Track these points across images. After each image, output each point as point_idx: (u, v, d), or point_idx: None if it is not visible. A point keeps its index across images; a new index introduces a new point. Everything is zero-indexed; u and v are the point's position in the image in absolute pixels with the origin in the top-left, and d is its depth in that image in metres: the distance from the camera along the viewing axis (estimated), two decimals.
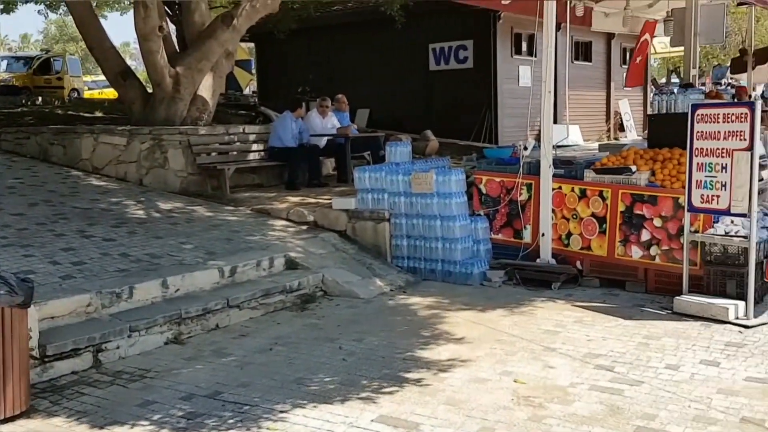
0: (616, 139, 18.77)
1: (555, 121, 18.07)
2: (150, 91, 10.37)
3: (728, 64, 16.43)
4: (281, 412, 4.03)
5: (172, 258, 6.36)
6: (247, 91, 21.43)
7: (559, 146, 17.22)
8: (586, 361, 4.70)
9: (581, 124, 18.94)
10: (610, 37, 18.88)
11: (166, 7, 12.14)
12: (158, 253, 6.49)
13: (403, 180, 7.31)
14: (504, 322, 5.61)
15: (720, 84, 21.99)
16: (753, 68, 11.43)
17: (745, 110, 5.55)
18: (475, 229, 7.21)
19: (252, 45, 20.08)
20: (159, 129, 9.48)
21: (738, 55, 12.17)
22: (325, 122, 10.29)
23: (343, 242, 7.36)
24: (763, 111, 11.67)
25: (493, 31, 14.87)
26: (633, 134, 18.80)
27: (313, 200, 8.47)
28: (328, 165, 10.72)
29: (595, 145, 13.96)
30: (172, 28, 12.70)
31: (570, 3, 5.75)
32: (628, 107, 19.98)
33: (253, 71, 20.60)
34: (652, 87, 21.64)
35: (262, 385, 4.43)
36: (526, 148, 7.40)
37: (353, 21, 15.73)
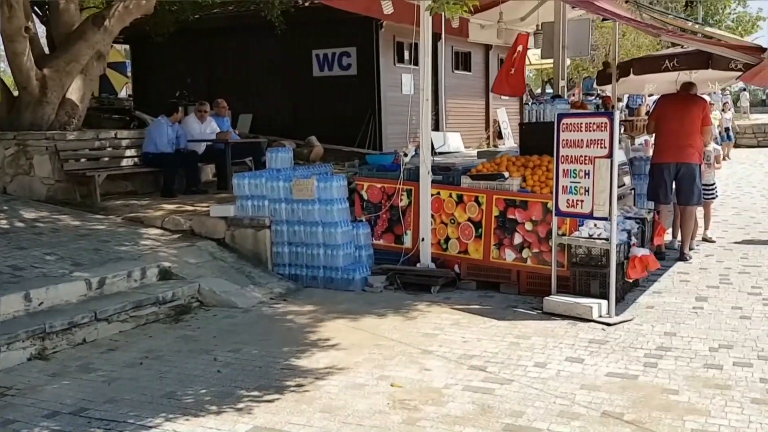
0: (495, 146, 19.47)
1: (437, 129, 18.57)
2: (16, 94, 9.76)
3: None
4: (150, 427, 3.88)
5: (35, 270, 5.99)
6: (122, 95, 20.59)
7: (441, 153, 17.70)
8: (461, 362, 4.81)
9: (462, 132, 19.51)
10: (488, 48, 19.60)
11: (35, 7, 11.47)
12: (21, 264, 6.09)
13: (284, 186, 7.24)
14: (384, 327, 5.65)
15: (591, 94, 23.29)
16: (617, 80, 12.11)
17: (605, 120, 5.88)
18: (356, 235, 7.24)
19: (127, 47, 19.33)
20: (24, 134, 8.95)
21: (602, 67, 12.88)
22: (204, 127, 10.03)
23: (221, 251, 7.20)
24: (626, 120, 12.46)
25: (376, 39, 15.06)
26: (510, 142, 19.57)
27: (190, 208, 8.23)
28: (208, 171, 10.46)
29: (476, 152, 14.39)
30: (42, 29, 12.01)
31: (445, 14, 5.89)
32: (506, 116, 20.80)
33: (129, 74, 19.81)
34: (528, 97, 22.63)
35: (131, 401, 4.24)
36: (406, 155, 7.52)
37: (234, 25, 15.46)
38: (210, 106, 10.45)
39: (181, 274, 6.46)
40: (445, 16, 7.29)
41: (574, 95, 20.80)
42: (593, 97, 19.31)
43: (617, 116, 5.91)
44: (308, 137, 13.65)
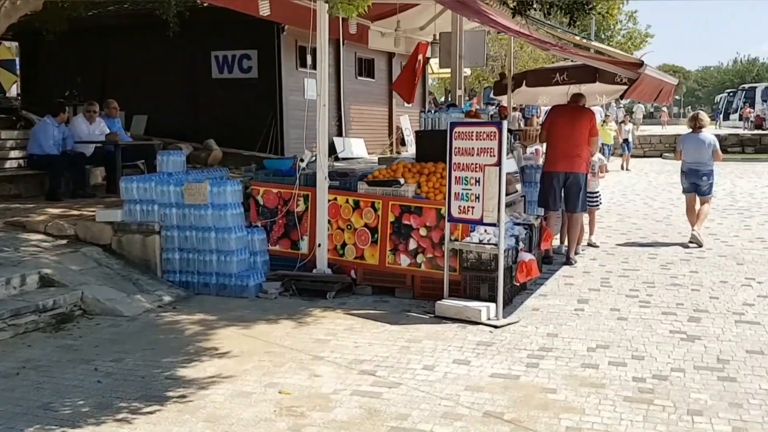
0: (398, 152, 19.69)
1: (340, 134, 18.58)
2: None
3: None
4: None
5: None
6: (12, 93, 19.52)
7: (345, 158, 17.73)
8: (351, 367, 4.83)
9: (366, 138, 19.63)
10: (390, 55, 19.81)
11: None
12: None
13: (174, 191, 7.05)
14: (276, 334, 5.60)
15: (492, 103, 23.96)
16: (512, 90, 12.51)
17: (494, 129, 6.06)
18: (251, 241, 7.14)
19: (16, 44, 18.33)
20: None
21: (498, 78, 13.29)
22: (93, 128, 9.64)
23: (107, 257, 6.93)
24: (519, 129, 12.87)
25: (278, 42, 14.92)
26: (413, 149, 19.84)
27: (76, 212, 7.88)
28: (98, 174, 10.05)
29: (377, 158, 14.53)
30: None
31: (341, 18, 5.91)
32: (408, 123, 21.08)
33: (18, 72, 18.79)
34: (432, 105, 23.03)
35: (5, 413, 4.02)
36: (302, 160, 7.49)
37: (129, 24, 14.94)
38: (100, 107, 10.05)
39: (64, 282, 6.16)
40: (342, 21, 7.30)
41: (472, 105, 21.36)
42: (494, 107, 19.91)
43: (505, 126, 6.10)
44: (206, 140, 13.37)
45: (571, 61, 10.85)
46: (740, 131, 35.36)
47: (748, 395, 4.25)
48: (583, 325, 5.76)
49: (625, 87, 9.34)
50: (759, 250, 8.84)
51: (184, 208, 7.00)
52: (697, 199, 9.45)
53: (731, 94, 56.06)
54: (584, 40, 12.20)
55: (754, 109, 44.99)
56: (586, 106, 8.89)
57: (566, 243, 8.43)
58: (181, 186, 7.01)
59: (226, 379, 4.59)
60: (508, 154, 9.12)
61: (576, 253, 8.34)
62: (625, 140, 22.40)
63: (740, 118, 46.44)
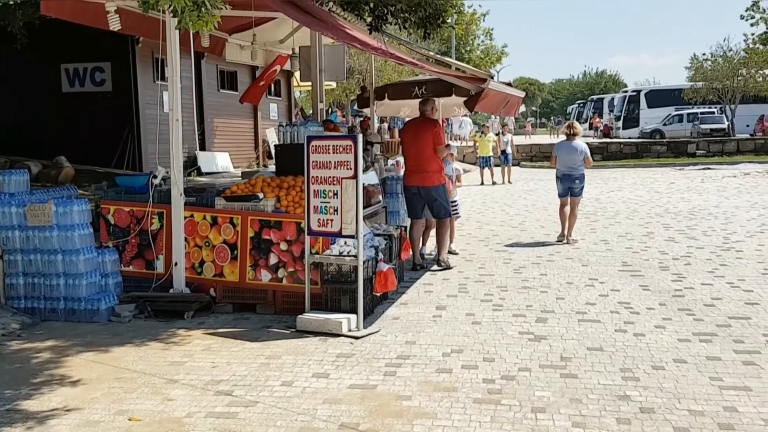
0: (265, 165, 19.51)
1: (204, 148, 18.12)
2: None
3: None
4: None
5: None
6: None
7: (209, 173, 17.32)
8: (207, 388, 4.71)
9: (231, 151, 19.31)
10: (254, 68, 19.62)
11: None
12: None
13: (17, 212, 6.63)
14: (128, 359, 5.37)
15: (359, 115, 24.25)
16: (374, 103, 12.74)
17: (349, 143, 6.14)
18: (102, 263, 6.81)
19: None
20: None
21: (360, 91, 13.50)
22: None
23: None
24: (381, 141, 13.09)
25: (133, 54, 14.42)
26: None
27: None
28: None
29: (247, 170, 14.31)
30: None
31: (192, 31, 5.77)
32: (274, 136, 20.93)
33: None
34: (301, 117, 22.99)
35: None
36: (156, 177, 7.25)
37: None
38: None
39: None
40: (194, 34, 7.14)
41: (338, 116, 21.49)
42: (360, 119, 20.16)
43: (360, 139, 6.20)
44: (57, 158, 12.64)
45: (430, 75, 11.22)
46: (590, 140, 37.92)
47: (588, 390, 4.54)
48: (440, 331, 5.94)
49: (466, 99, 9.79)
50: (602, 252, 9.49)
51: (28, 231, 6.58)
52: (570, 200, 10.31)
53: (582, 104, 60.05)
54: (438, 56, 12.63)
55: (602, 118, 48.37)
56: (455, 116, 9.24)
57: (433, 247, 8.73)
58: (24, 207, 6.59)
59: (72, 410, 4.35)
60: (370, 165, 9.33)
61: (451, 252, 8.66)
62: (503, 151, 21.66)
63: (590, 127, 49.80)
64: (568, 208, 10.32)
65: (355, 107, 22.52)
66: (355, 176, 6.08)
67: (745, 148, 28.89)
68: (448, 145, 8.85)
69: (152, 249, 7.02)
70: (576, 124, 10.89)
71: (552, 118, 79.68)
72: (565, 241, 10.21)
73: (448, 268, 8.44)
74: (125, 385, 4.78)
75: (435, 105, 9.04)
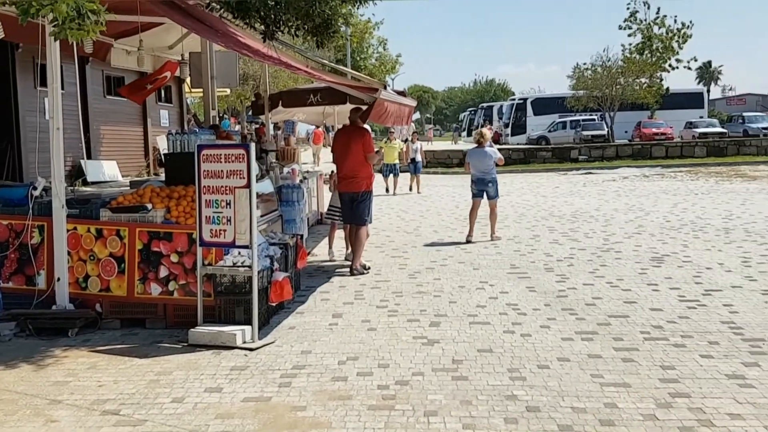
0: (156, 174, 18.89)
1: (90, 157, 17.35)
2: None
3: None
4: None
5: None
6: None
7: (95, 182, 16.58)
8: (93, 408, 4.53)
9: (119, 160, 18.60)
10: (143, 74, 19.00)
11: None
12: None
13: None
14: (8, 379, 5.08)
15: (256, 122, 23.91)
16: (270, 110, 12.66)
17: (242, 151, 6.07)
18: None
19: None
20: None
21: (255, 98, 13.37)
22: None
23: None
24: (277, 149, 13.00)
25: (12, 60, 13.65)
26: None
27: None
28: None
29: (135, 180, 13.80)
30: None
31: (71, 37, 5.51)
32: (165, 143, 20.34)
33: None
34: (194, 124, 22.42)
35: None
36: (36, 188, 6.90)
37: None
38: None
39: None
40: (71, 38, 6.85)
41: (232, 124, 21.17)
42: (257, 125, 19.87)
43: (253, 148, 6.15)
44: None
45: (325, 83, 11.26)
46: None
47: (477, 392, 4.69)
48: (336, 338, 5.97)
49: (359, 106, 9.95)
50: (492, 255, 9.81)
51: None
52: (487, 202, 11.13)
53: (473, 112, 61.90)
54: (333, 65, 12.70)
55: (492, 125, 50.04)
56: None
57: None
58: None
59: None
60: (265, 174, 9.26)
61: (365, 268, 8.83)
62: (413, 159, 20.46)
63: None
64: (482, 210, 11.14)
65: (250, 114, 22.27)
66: (248, 185, 6.01)
67: (623, 153, 30.63)
68: (377, 152, 9.12)
69: (33, 264, 6.67)
70: (485, 131, 11.67)
71: (437, 125, 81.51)
72: (489, 239, 10.98)
73: (363, 273, 8.65)
74: (5, 408, 4.52)
75: (364, 113, 9.12)
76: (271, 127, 15.44)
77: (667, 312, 6.57)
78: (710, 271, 8.29)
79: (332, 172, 9.63)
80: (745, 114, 44.10)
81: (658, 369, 5.04)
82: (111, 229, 6.64)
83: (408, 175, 20.74)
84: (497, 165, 11.09)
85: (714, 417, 4.19)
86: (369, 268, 8.80)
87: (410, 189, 20.21)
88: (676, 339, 5.73)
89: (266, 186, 8.68)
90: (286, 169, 10.73)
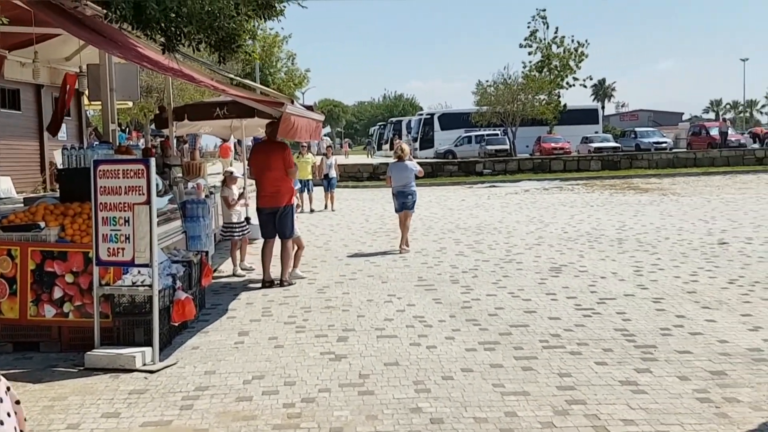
0: (53, 190, 18.06)
1: None
2: None
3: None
4: None
5: None
6: None
7: None
8: None
9: (14, 175, 17.69)
10: (39, 87, 18.18)
11: None
12: None
13: None
14: None
15: (161, 136, 23.22)
16: (173, 124, 12.36)
17: (141, 167, 5.91)
18: None
19: None
20: None
21: (159, 111, 13.03)
22: None
23: None
24: (181, 164, 12.71)
25: None
26: None
27: None
28: None
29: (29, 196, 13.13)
30: None
31: None
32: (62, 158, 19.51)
33: None
34: (95, 138, 21.56)
35: None
36: None
37: None
38: None
39: None
40: None
41: (129, 138, 20.50)
42: (162, 139, 19.31)
43: (153, 163, 6.00)
44: None
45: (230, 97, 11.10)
46: (392, 160, 39.53)
47: (383, 406, 4.72)
48: (242, 357, 5.87)
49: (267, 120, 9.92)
50: (401, 268, 9.93)
51: None
52: (406, 213, 11.46)
53: (383, 126, 62.57)
54: (240, 78, 12.57)
55: (401, 139, 50.70)
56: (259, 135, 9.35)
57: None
58: None
59: None
60: (168, 189, 9.03)
61: (298, 278, 9.03)
62: (326, 175, 19.37)
63: (391, 148, 51.88)
64: (393, 222, 11.60)
65: (153, 127, 21.66)
66: (148, 201, 5.86)
67: (525, 167, 31.68)
68: (295, 166, 9.28)
69: None
70: (405, 146, 12.33)
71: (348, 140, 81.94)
72: (401, 251, 11.27)
73: (291, 284, 8.81)
74: None
75: (273, 128, 9.08)
76: (176, 141, 15.08)
77: (565, 320, 6.83)
78: (604, 280, 8.69)
79: (243, 189, 9.61)
80: (637, 129, 46.59)
81: (556, 377, 5.23)
82: (1, 249, 6.31)
83: (322, 191, 20.28)
84: (417, 177, 11.61)
85: (608, 423, 4.38)
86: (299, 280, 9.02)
87: (325, 207, 19.38)
88: (572, 347, 5.97)
89: (168, 201, 8.47)
90: (191, 184, 10.51)
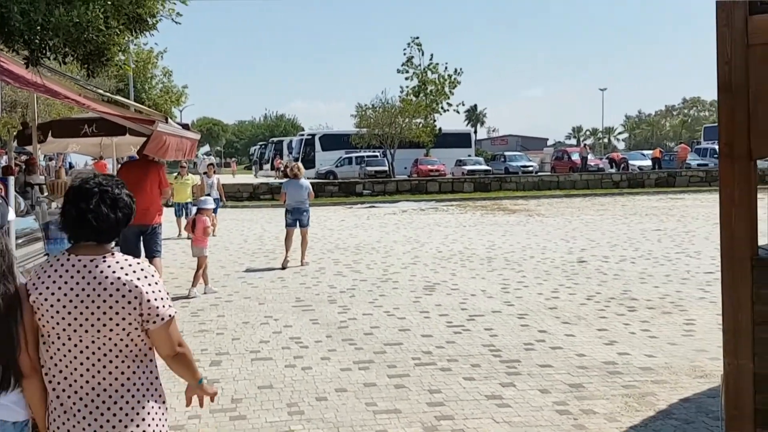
0: None
1: None
2: None
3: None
4: None
5: None
6: None
7: None
8: None
9: None
10: None
11: None
12: None
13: None
14: None
15: (25, 153, 21.81)
16: (40, 140, 11.78)
17: None
18: None
19: None
20: None
21: (22, 128, 12.35)
22: None
23: None
24: (45, 183, 12.08)
25: None
26: None
27: None
28: None
29: None
30: None
31: None
32: None
33: None
34: None
35: None
36: None
37: None
38: None
39: None
40: None
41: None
42: (27, 157, 18.15)
43: (12, 181, 5.71)
44: None
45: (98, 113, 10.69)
46: (272, 180, 39.23)
47: (255, 431, 4.69)
48: None
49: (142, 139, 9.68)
50: (278, 289, 9.88)
51: None
52: (300, 230, 12.03)
53: (263, 146, 62.02)
54: (112, 95, 12.13)
55: (283, 159, 50.50)
56: (128, 156, 9.07)
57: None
58: None
59: None
60: (29, 209, 8.57)
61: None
62: (208, 195, 16.75)
63: (272, 168, 51.60)
64: (293, 237, 12.01)
65: (15, 144, 20.35)
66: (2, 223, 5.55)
67: (403, 188, 32.38)
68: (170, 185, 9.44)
69: None
70: (300, 166, 12.72)
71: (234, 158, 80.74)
72: (300, 264, 11.88)
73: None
74: None
75: (142, 146, 8.89)
76: (42, 158, 14.30)
77: (436, 338, 7.06)
78: (474, 298, 9.05)
79: None
80: (506, 153, 48.98)
81: (427, 393, 5.40)
82: None
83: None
84: (309, 196, 12.19)
85: None
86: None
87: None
88: (443, 363, 6.18)
89: (28, 222, 8.03)
90: (54, 204, 10.00)
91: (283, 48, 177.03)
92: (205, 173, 19.98)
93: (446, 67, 38.42)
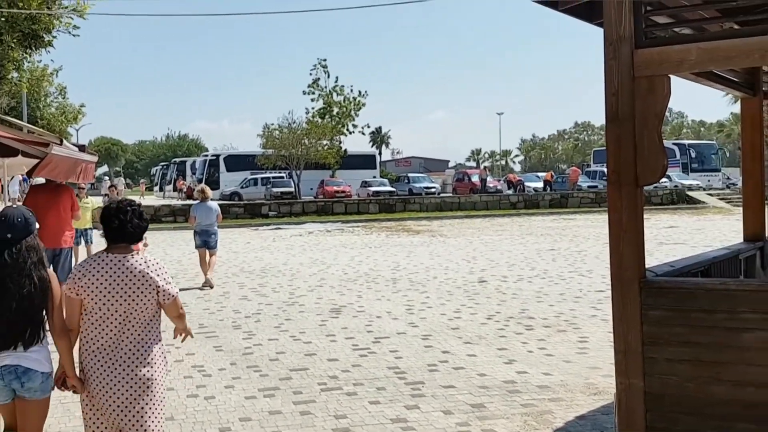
0: None
1: None
2: None
3: None
4: None
5: None
6: None
7: None
8: None
9: None
10: None
11: None
12: None
13: None
14: None
15: None
16: None
17: None
18: None
19: None
20: None
21: None
22: None
23: None
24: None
25: None
26: None
27: None
28: None
29: None
30: None
31: None
32: None
33: None
34: None
35: None
36: None
37: None
38: None
39: None
40: None
41: None
42: None
43: None
44: None
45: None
46: (174, 201, 38.24)
47: None
48: None
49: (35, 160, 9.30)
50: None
51: None
52: (207, 252, 12.22)
53: (165, 166, 60.38)
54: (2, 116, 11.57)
55: (186, 180, 49.30)
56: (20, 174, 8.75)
57: None
58: None
59: None
60: None
61: None
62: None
63: (174, 189, 50.30)
64: (207, 258, 12.23)
65: None
66: None
67: (309, 210, 32.31)
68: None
69: None
70: (207, 189, 12.96)
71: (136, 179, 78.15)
72: (208, 285, 11.96)
73: None
74: None
75: (32, 168, 8.53)
76: None
77: (342, 361, 7.08)
78: (380, 320, 9.14)
79: None
80: (410, 174, 49.75)
81: (332, 419, 5.40)
82: None
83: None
84: (217, 221, 12.53)
85: None
86: None
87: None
88: (349, 387, 6.20)
89: None
90: None
91: (186, 66, 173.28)
92: (105, 195, 18.80)
93: (351, 89, 38.84)
